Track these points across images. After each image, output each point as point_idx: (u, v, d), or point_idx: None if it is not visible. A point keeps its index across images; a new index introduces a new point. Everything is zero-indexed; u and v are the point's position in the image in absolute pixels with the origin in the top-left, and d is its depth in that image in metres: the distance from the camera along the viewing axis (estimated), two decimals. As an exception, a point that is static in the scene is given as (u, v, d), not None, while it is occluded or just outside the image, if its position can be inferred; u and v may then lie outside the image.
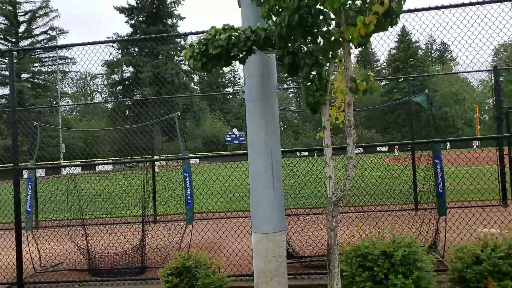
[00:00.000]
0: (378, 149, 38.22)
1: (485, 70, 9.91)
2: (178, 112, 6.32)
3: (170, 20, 53.79)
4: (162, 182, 9.10)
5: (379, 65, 70.30)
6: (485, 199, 9.87)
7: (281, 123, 61.79)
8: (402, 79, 53.26)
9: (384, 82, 63.69)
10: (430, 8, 4.89)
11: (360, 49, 3.22)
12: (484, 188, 9.74)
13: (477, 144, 38.23)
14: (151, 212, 6.64)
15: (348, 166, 3.42)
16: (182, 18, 54.39)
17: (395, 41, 60.82)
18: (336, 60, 3.30)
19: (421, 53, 67.68)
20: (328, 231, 3.59)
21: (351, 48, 3.32)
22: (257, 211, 4.01)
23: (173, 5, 53.16)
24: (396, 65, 59.40)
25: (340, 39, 2.97)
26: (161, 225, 8.34)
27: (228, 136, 53.00)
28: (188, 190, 5.56)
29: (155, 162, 16.50)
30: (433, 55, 73.30)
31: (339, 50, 3.12)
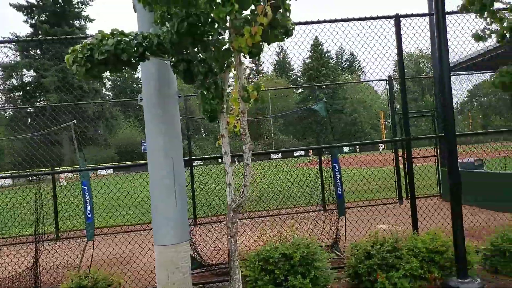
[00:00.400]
0: (296, 153, 39.84)
1: (380, 80, 10.89)
2: (74, 120, 5.88)
3: (77, 21, 50.37)
4: (65, 195, 8.41)
5: (294, 73, 73.54)
6: (384, 198, 10.80)
7: (202, 130, 61.31)
8: (316, 87, 56.27)
9: (299, 90, 66.74)
10: (319, 21, 5.22)
11: (254, 59, 3.29)
12: (383, 187, 10.68)
13: (383, 147, 41.63)
14: (46, 229, 6.09)
15: (245, 173, 3.47)
16: (91, 20, 51.27)
17: (308, 50, 64.16)
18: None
19: (333, 62, 72.37)
20: (228, 238, 3.60)
21: (246, 58, 3.40)
22: (158, 222, 3.89)
23: (80, 6, 49.92)
24: (310, 74, 62.70)
25: (231, 49, 3.02)
26: (62, 242, 7.68)
27: (144, 144, 50.91)
28: (88, 204, 5.20)
29: (62, 174, 15.24)
30: (343, 65, 78.79)
31: (231, 59, 3.17)
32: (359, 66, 74.42)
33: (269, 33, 2.89)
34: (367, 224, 6.14)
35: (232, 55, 3.09)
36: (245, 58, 3.37)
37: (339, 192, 5.81)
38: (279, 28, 3.01)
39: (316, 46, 63.04)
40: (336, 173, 5.79)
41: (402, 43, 5.49)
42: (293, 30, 3.60)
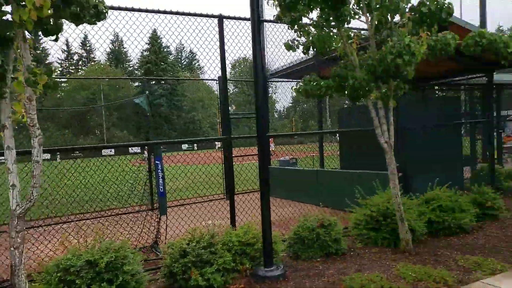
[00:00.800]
0: (130, 150, 37.87)
1: (211, 79, 11.17)
2: None
3: None
4: None
5: (131, 65, 69.67)
6: (213, 194, 11.15)
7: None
8: (154, 81, 54.86)
9: (136, 83, 63.91)
10: (140, 10, 4.94)
11: (52, 38, 2.80)
12: (213, 183, 11.00)
13: (219, 145, 43.18)
14: None
15: (35, 171, 2.95)
16: None
17: (147, 42, 61.89)
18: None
19: (172, 58, 71.58)
20: (11, 250, 3.01)
21: (40, 36, 2.89)
22: None
23: None
24: (148, 67, 60.58)
25: (12, 21, 2.48)
26: None
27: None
28: None
29: None
30: (183, 62, 78.86)
31: (14, 34, 2.61)
32: (198, 65, 75.92)
33: (61, 9, 2.48)
34: (188, 222, 6.13)
35: (14, 28, 2.54)
36: (35, 36, 2.87)
37: (161, 191, 5.64)
38: (78, 6, 2.63)
39: (155, 40, 61.38)
40: (159, 170, 5.59)
41: (225, 44, 5.65)
42: (106, 14, 3.28)
